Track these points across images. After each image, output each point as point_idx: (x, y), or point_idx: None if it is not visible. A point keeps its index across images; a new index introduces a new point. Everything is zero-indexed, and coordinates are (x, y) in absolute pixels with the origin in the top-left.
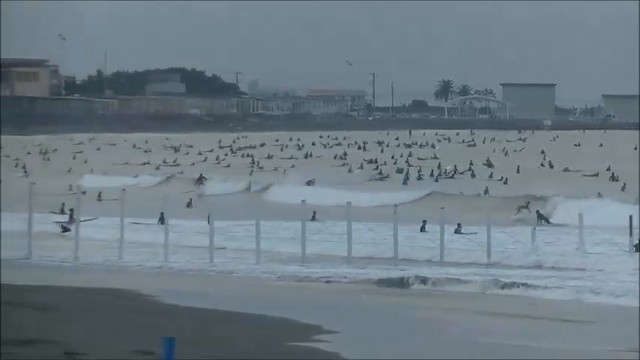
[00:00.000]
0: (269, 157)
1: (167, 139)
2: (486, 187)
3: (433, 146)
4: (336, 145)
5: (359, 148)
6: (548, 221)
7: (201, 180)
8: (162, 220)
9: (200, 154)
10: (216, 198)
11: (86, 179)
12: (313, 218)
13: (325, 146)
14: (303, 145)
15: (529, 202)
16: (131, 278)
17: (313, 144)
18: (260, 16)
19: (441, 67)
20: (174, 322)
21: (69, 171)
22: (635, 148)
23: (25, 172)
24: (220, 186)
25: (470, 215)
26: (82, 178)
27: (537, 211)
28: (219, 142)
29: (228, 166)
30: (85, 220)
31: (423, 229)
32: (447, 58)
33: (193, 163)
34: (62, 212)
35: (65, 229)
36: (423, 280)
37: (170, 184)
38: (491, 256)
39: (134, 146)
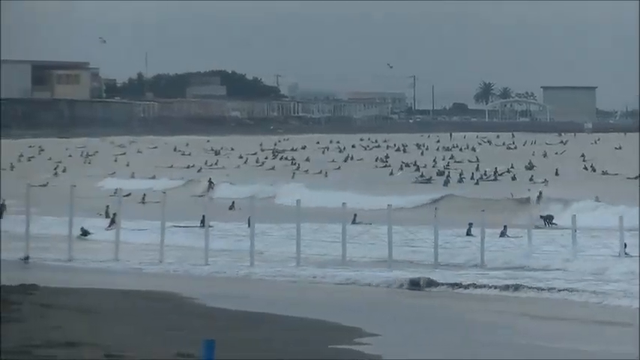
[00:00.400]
0: (307, 160)
1: (208, 141)
2: (529, 189)
3: (474, 149)
4: (376, 147)
5: (397, 150)
6: (551, 222)
7: (210, 184)
8: (203, 222)
9: (241, 157)
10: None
11: (107, 182)
12: (354, 221)
13: (365, 148)
14: (344, 148)
15: (539, 197)
16: (170, 281)
17: (353, 146)
18: (300, 19)
19: (481, 70)
20: (215, 323)
21: (112, 174)
22: None
23: (56, 174)
24: (234, 190)
25: (479, 216)
26: (104, 181)
27: (540, 216)
28: (261, 144)
29: (273, 168)
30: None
31: (469, 233)
32: (488, 61)
33: (239, 166)
34: (107, 215)
35: (85, 233)
36: (460, 284)
37: (188, 187)
38: (531, 260)
39: (175, 149)
